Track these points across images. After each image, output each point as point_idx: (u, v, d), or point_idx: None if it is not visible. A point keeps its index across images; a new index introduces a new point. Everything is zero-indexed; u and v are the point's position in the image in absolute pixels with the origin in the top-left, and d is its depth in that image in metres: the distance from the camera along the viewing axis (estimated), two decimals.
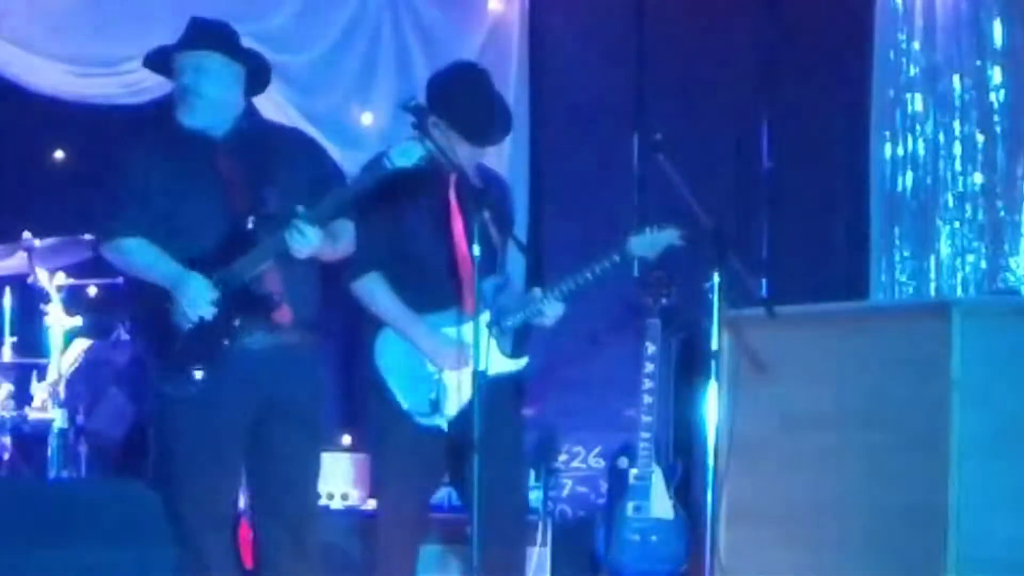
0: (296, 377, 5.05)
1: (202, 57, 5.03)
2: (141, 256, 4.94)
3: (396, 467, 5.30)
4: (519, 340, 5.44)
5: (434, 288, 5.25)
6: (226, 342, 4.90)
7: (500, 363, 5.31)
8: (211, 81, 5.03)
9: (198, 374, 4.89)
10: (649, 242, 5.44)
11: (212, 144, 5.03)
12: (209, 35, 5.08)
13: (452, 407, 5.24)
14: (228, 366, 4.90)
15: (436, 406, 5.23)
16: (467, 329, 5.19)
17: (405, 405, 5.24)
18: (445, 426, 5.24)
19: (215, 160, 5.01)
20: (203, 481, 4.95)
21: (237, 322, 4.91)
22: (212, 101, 5.03)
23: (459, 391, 5.23)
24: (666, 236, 5.45)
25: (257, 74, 5.19)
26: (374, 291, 5.25)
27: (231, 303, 4.90)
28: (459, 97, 5.29)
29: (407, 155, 4.91)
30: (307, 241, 4.88)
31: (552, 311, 5.37)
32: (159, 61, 5.13)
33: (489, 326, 5.23)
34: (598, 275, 5.38)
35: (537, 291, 5.39)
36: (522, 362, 5.40)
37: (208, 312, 4.87)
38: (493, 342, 5.27)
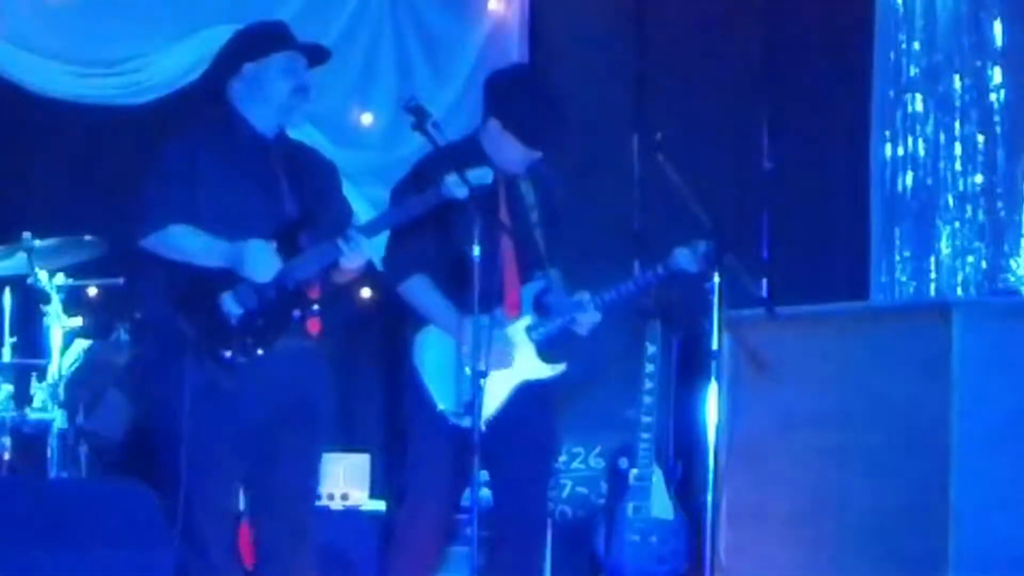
0: (312, 382, 5.05)
1: (305, 62, 5.08)
2: (194, 239, 4.88)
3: (429, 467, 5.30)
4: (556, 346, 5.41)
5: (478, 290, 5.25)
6: (275, 338, 4.87)
7: (537, 368, 5.33)
8: None
9: (260, 351, 4.85)
10: (694, 256, 5.42)
11: (266, 143, 5.04)
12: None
13: (486, 410, 5.19)
14: (254, 364, 4.89)
15: (471, 408, 5.22)
16: (510, 330, 5.25)
17: (440, 406, 5.25)
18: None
19: (269, 159, 5.02)
20: (216, 477, 4.92)
21: (284, 319, 4.89)
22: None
23: (494, 395, 5.21)
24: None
25: None
26: (421, 292, 5.27)
27: (281, 299, 4.88)
28: (516, 98, 5.29)
29: (459, 187, 4.91)
30: (362, 253, 4.90)
31: (588, 319, 5.37)
32: (259, 54, 5.04)
33: (528, 330, 5.28)
34: (641, 287, 5.43)
35: (585, 294, 5.38)
36: (559, 368, 5.38)
37: (273, 274, 4.83)
38: (532, 347, 5.30)
